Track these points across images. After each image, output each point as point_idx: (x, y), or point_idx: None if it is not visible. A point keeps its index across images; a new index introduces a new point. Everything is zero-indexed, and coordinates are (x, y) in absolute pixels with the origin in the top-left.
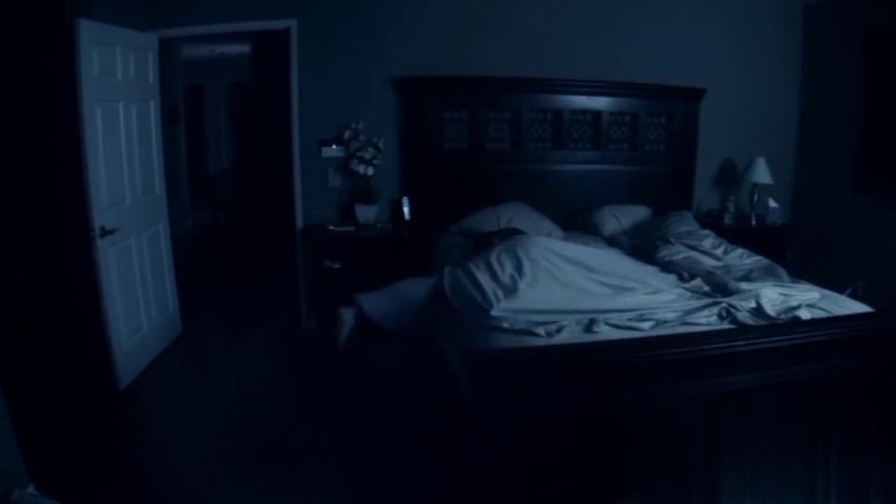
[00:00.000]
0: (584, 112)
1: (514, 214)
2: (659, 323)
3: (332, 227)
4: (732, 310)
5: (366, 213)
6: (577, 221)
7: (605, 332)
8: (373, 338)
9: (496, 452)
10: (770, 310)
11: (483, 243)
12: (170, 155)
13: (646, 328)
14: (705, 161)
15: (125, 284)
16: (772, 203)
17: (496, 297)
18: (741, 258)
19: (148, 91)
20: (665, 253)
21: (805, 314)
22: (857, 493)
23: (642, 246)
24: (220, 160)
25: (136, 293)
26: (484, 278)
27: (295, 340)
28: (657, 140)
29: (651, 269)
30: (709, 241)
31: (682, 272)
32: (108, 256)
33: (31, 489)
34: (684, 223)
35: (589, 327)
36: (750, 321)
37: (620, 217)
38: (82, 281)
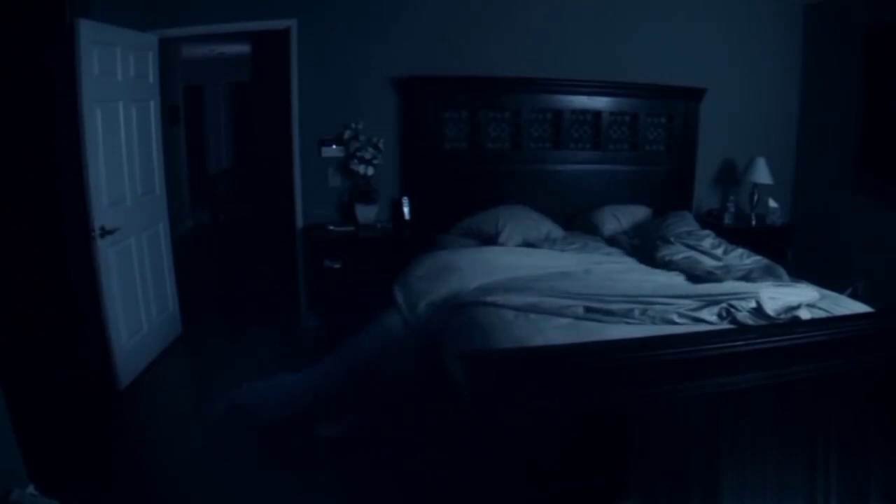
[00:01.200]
0: (584, 112)
1: (514, 215)
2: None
3: (332, 227)
4: (732, 310)
5: (366, 213)
6: (577, 221)
7: (604, 328)
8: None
9: (496, 453)
10: (770, 310)
11: None
12: (170, 155)
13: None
14: (705, 161)
15: (125, 284)
16: (772, 203)
17: None
18: (741, 258)
19: (148, 91)
20: (665, 253)
21: (805, 314)
22: (857, 493)
23: (642, 246)
24: (220, 160)
25: (136, 293)
26: None
27: (295, 340)
28: (657, 140)
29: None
30: (709, 241)
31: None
32: (108, 256)
33: (31, 489)
34: (684, 223)
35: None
36: (750, 321)
37: (620, 217)
38: (82, 281)
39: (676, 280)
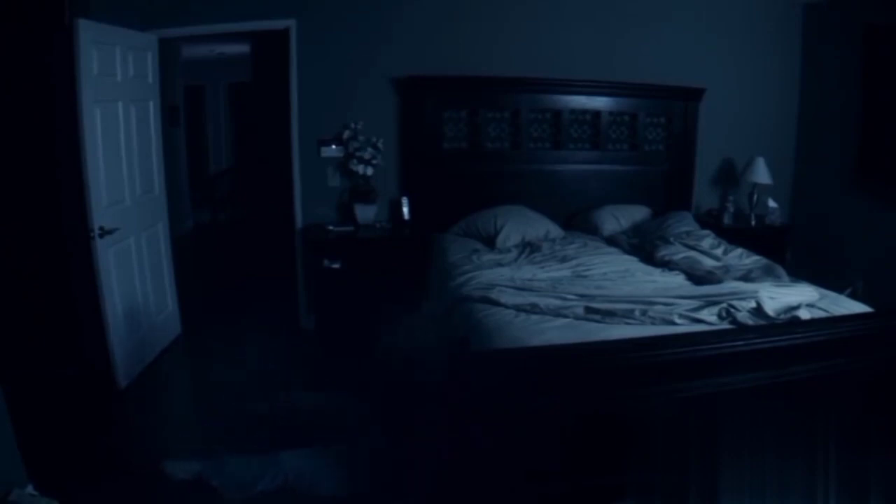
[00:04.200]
0: (583, 112)
1: (513, 214)
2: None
3: (331, 227)
4: (732, 310)
5: (365, 212)
6: (576, 221)
7: (604, 328)
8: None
9: (496, 452)
10: (770, 310)
11: None
12: (170, 155)
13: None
14: (704, 161)
15: (124, 284)
16: (771, 203)
17: None
18: (740, 258)
19: (147, 91)
20: (664, 253)
21: (805, 314)
22: (857, 493)
23: (641, 246)
24: (220, 160)
25: (136, 293)
26: None
27: (294, 340)
28: (656, 140)
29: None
30: (708, 241)
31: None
32: (108, 256)
33: (30, 489)
34: (684, 223)
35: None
36: (750, 321)
37: (620, 217)
38: (82, 281)
39: (676, 280)
